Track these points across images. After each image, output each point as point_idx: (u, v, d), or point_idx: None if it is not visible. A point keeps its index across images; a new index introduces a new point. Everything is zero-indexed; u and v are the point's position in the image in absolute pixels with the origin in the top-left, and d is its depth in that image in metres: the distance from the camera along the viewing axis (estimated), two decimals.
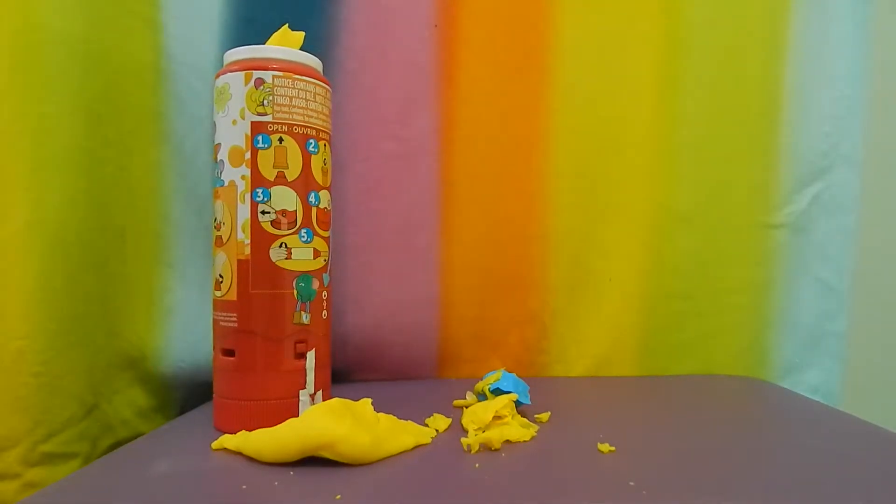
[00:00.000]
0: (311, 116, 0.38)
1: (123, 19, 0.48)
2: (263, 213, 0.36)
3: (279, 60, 0.37)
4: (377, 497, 0.28)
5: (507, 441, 0.35)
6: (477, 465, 0.32)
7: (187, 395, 0.51)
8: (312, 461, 0.31)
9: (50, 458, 0.44)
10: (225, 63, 0.38)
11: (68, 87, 0.45)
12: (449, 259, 0.53)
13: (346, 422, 0.32)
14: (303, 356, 0.37)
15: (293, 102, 0.37)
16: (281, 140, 0.37)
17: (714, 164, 0.55)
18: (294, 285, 0.37)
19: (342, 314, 0.51)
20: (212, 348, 0.38)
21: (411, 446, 0.34)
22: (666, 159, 0.55)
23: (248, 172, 0.36)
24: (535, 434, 0.36)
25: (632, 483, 0.29)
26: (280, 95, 0.37)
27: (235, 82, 0.37)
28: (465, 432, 0.36)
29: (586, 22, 0.53)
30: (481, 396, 0.41)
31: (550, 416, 0.40)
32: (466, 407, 0.40)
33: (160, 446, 0.36)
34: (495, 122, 0.53)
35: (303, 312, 0.37)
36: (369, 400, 0.36)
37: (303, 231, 0.37)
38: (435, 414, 0.39)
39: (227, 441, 0.34)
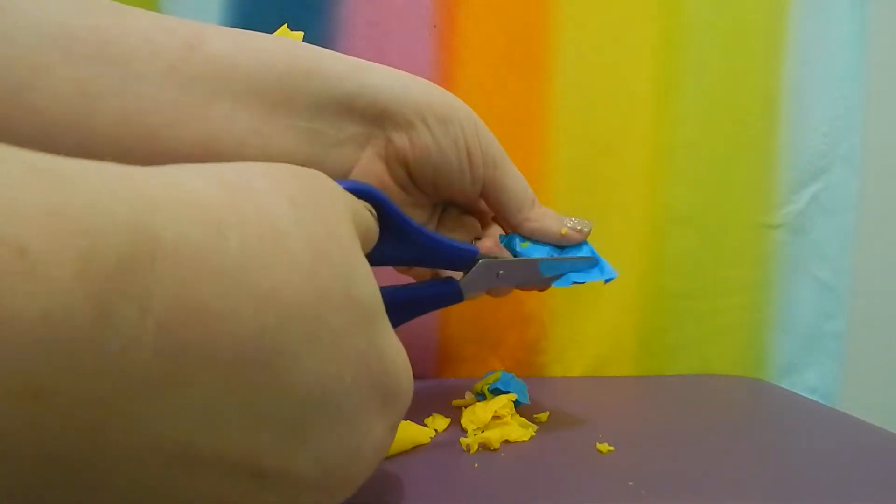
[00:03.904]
0: None
1: None
2: None
3: None
4: (375, 497, 0.28)
5: (506, 441, 0.35)
6: (476, 465, 0.32)
7: None
8: None
9: None
10: None
11: None
12: None
13: None
14: None
15: None
16: None
17: (712, 164, 0.55)
18: None
19: None
20: None
21: (410, 446, 0.34)
22: (664, 159, 0.55)
23: None
24: (534, 434, 0.36)
25: (631, 483, 0.29)
26: None
27: None
28: (463, 432, 0.36)
29: (586, 22, 0.53)
30: (480, 396, 0.41)
31: (549, 416, 0.40)
32: (465, 407, 0.40)
33: None
34: (494, 122, 0.53)
35: None
36: None
37: None
38: (434, 414, 0.39)
39: None
